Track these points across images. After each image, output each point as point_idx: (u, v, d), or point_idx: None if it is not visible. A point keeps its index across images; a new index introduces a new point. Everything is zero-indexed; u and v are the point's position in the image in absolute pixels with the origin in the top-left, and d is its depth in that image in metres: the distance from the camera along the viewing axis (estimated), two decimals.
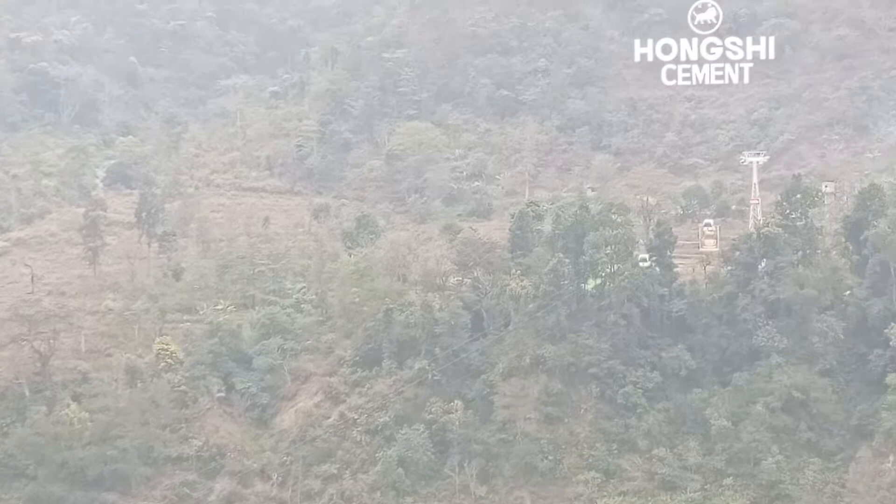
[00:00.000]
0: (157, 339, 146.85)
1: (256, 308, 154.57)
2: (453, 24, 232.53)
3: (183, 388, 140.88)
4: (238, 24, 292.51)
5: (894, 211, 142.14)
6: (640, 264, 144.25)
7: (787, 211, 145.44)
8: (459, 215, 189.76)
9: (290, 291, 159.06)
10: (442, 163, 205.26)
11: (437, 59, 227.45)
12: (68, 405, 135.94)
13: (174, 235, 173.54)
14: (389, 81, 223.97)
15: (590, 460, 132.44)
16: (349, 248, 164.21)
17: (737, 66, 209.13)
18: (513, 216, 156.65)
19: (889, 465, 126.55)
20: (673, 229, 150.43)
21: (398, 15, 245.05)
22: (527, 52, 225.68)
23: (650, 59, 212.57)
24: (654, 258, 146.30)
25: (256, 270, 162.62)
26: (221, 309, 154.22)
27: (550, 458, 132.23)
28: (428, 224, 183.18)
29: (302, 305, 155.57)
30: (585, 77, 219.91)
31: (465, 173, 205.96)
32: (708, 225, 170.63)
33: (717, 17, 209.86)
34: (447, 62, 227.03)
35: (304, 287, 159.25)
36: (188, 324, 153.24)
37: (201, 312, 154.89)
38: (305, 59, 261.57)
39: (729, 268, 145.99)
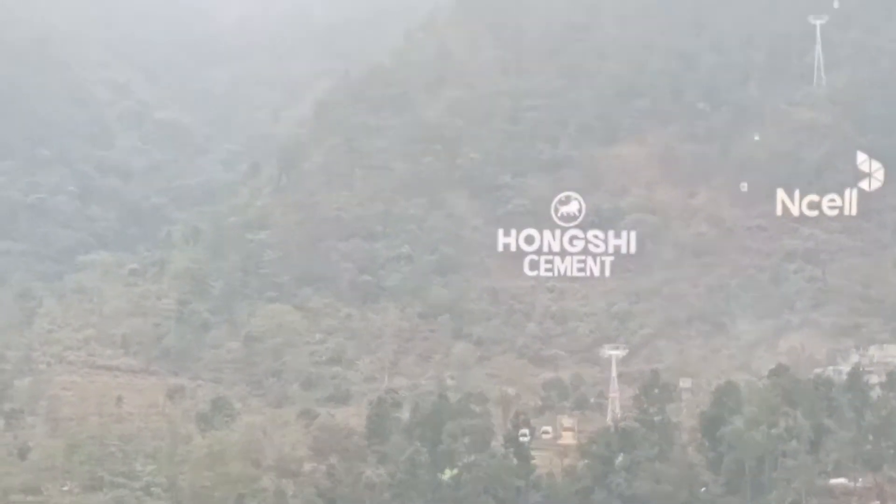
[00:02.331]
0: None
1: (104, 490, 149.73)
2: (318, 207, 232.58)
3: None
4: (100, 199, 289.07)
5: (750, 409, 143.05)
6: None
7: (645, 405, 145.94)
8: (317, 400, 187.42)
9: (140, 474, 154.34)
10: (301, 346, 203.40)
11: (301, 242, 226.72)
12: None
13: (22, 413, 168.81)
14: (251, 263, 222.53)
15: None
16: (203, 430, 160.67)
17: (598, 259, 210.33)
18: (371, 403, 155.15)
19: None
20: (532, 421, 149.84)
21: (263, 196, 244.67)
22: (391, 237, 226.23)
23: (513, 249, 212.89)
24: (511, 449, 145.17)
25: (106, 451, 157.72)
26: (67, 490, 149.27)
27: None
28: (285, 408, 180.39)
29: (152, 488, 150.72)
30: (448, 265, 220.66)
31: (324, 358, 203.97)
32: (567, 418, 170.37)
33: (580, 210, 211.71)
34: (311, 245, 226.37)
35: (155, 469, 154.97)
36: None
37: (45, 494, 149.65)
38: (167, 237, 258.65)
39: (586, 461, 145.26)
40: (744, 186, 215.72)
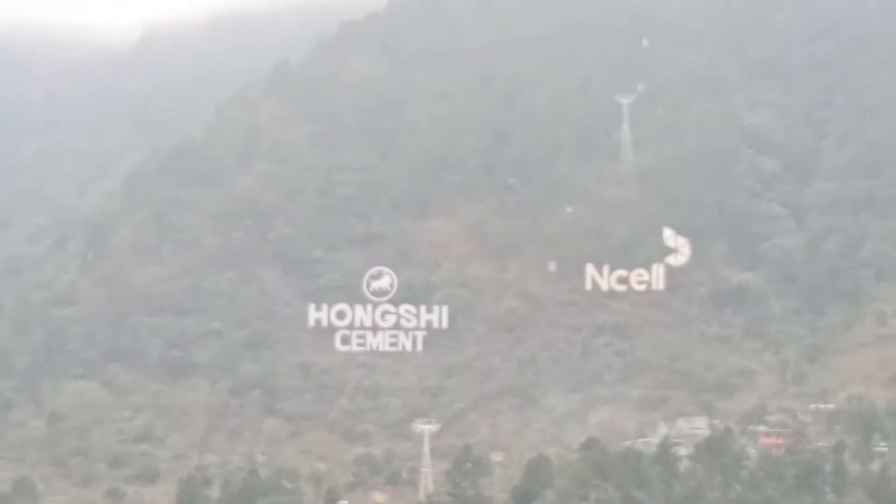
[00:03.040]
0: None
1: None
2: (126, 282, 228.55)
3: None
4: None
5: (561, 482, 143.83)
6: None
7: (458, 480, 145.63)
8: (125, 479, 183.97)
9: None
10: (108, 424, 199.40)
11: (108, 318, 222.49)
12: None
13: None
14: (57, 339, 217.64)
15: None
16: None
17: (410, 333, 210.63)
18: (181, 481, 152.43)
19: None
20: (344, 497, 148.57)
21: (69, 271, 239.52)
22: (201, 313, 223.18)
23: (325, 324, 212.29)
24: None
25: None
26: None
27: None
28: (91, 488, 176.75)
29: None
30: (259, 340, 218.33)
31: (132, 435, 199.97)
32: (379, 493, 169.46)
33: (391, 285, 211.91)
34: (118, 321, 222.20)
35: None
36: None
37: None
38: None
39: None
40: (552, 266, 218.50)
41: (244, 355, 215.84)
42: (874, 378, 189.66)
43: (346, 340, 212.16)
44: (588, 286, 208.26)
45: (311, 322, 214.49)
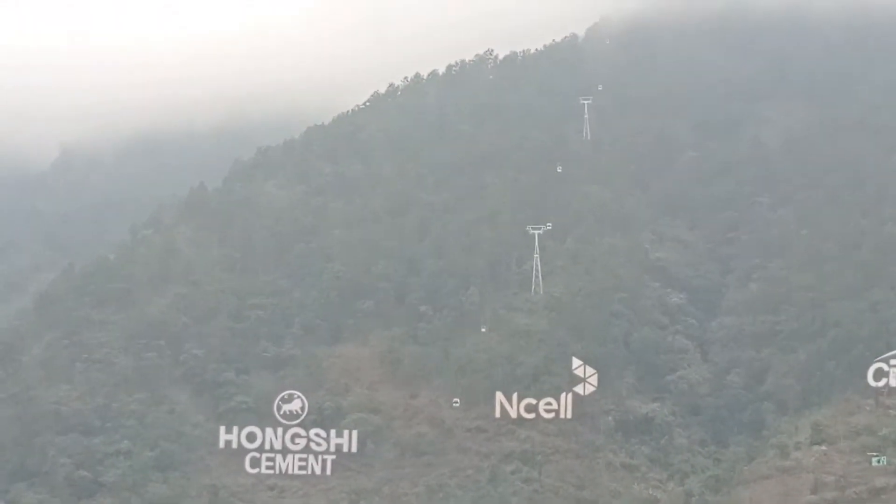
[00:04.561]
0: None
1: None
2: (35, 401, 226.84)
3: None
4: None
5: None
6: None
7: None
8: None
9: None
10: None
11: (16, 437, 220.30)
12: None
13: None
14: None
15: None
16: None
17: (320, 457, 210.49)
18: None
19: None
20: None
21: None
22: (110, 432, 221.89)
23: (235, 446, 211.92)
24: None
25: None
26: None
27: None
28: None
29: None
30: (168, 461, 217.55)
31: None
32: None
33: (302, 409, 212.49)
34: (26, 440, 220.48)
35: None
36: None
37: None
38: None
39: None
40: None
41: (153, 476, 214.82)
42: None
43: (255, 463, 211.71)
44: (497, 413, 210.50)
45: (222, 444, 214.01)
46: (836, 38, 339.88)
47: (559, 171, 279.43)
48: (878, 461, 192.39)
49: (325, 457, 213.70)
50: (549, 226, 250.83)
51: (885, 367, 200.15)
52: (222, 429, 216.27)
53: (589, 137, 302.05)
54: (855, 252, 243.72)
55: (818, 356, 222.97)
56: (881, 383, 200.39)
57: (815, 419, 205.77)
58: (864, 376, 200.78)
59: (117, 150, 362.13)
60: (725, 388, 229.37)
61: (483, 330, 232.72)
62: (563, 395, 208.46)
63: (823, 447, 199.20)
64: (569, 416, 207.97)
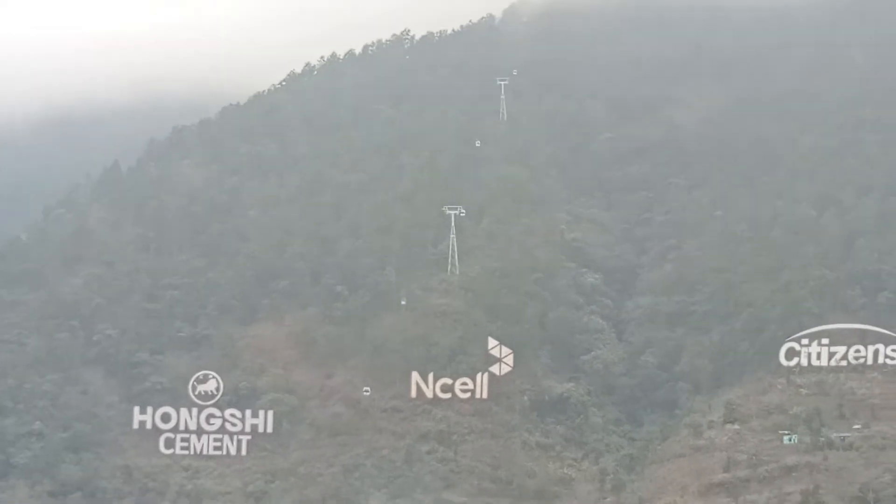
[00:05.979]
0: None
1: None
2: None
3: None
4: None
5: None
6: None
7: None
8: None
9: None
10: None
11: None
12: None
13: None
14: None
15: None
16: None
17: (235, 437, 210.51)
18: None
19: None
20: None
21: None
22: (21, 413, 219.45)
23: (149, 426, 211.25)
24: None
25: None
26: None
27: None
28: None
29: None
30: (81, 442, 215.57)
31: None
32: None
33: (217, 389, 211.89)
34: None
35: None
36: None
37: None
38: None
39: None
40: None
41: (65, 457, 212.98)
42: (689, 488, 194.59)
43: (170, 444, 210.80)
44: (413, 393, 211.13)
45: (136, 425, 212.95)
46: (749, 21, 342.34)
47: (477, 145, 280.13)
48: (790, 439, 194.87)
49: (241, 437, 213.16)
50: (464, 213, 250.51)
51: (797, 347, 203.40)
52: (136, 409, 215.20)
53: (505, 118, 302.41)
54: (768, 233, 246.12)
55: (731, 336, 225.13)
56: (793, 363, 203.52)
57: (728, 398, 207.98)
58: (777, 356, 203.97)
59: (31, 130, 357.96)
60: (640, 368, 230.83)
61: (403, 303, 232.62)
62: (479, 374, 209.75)
63: (736, 426, 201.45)
64: (484, 395, 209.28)
